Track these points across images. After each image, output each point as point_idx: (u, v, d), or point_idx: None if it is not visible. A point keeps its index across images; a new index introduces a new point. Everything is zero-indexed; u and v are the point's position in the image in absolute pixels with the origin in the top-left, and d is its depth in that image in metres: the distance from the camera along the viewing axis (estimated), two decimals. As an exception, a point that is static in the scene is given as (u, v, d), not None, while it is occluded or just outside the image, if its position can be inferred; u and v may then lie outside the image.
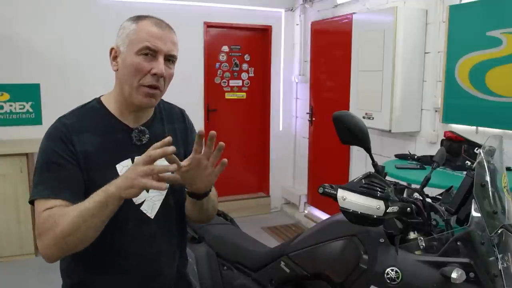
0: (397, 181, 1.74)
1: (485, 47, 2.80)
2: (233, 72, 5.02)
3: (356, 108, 3.62)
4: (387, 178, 1.41)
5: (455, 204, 1.38)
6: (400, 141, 3.58)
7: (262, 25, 5.00)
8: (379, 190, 1.21)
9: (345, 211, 1.21)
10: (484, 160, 1.28)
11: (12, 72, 4.02)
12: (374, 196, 1.19)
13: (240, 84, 5.08)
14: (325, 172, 4.67)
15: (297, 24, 5.09)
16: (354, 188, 1.21)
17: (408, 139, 3.51)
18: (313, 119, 4.80)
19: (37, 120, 4.12)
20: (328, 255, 1.42)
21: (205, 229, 1.97)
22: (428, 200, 1.43)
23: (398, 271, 1.23)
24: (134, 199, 1.24)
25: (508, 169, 2.40)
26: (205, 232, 1.96)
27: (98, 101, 1.31)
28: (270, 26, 5.03)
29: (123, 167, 1.25)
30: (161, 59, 1.21)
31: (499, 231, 1.21)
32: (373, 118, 3.48)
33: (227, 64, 4.98)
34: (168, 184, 1.11)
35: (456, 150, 2.75)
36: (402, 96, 3.33)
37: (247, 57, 5.06)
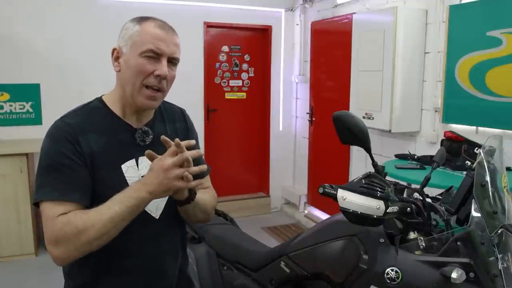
0: (397, 181, 1.74)
1: (485, 47, 2.80)
2: (233, 72, 5.02)
3: (356, 108, 3.62)
4: (387, 178, 1.41)
5: (455, 204, 1.38)
6: (400, 141, 3.58)
7: (262, 25, 5.00)
8: (379, 190, 1.21)
9: (345, 211, 1.21)
10: (484, 160, 1.28)
11: (12, 72, 4.02)
12: (374, 196, 1.19)
13: (240, 84, 5.08)
14: (325, 172, 4.67)
15: (297, 24, 5.09)
16: (354, 188, 1.21)
17: (408, 139, 3.51)
18: (313, 119, 4.80)
19: (37, 120, 4.12)
20: (328, 255, 1.42)
21: (205, 229, 1.97)
22: (428, 200, 1.43)
23: (398, 271, 1.23)
24: None
25: (508, 169, 2.40)
26: (205, 232, 1.96)
27: (100, 100, 1.31)
28: (270, 26, 5.03)
29: (128, 167, 1.25)
30: (164, 62, 1.21)
31: (499, 231, 1.21)
32: (373, 118, 3.48)
33: (227, 64, 4.98)
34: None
35: (456, 150, 2.75)
36: (402, 96, 3.33)
37: (247, 57, 5.06)
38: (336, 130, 1.38)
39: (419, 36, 3.32)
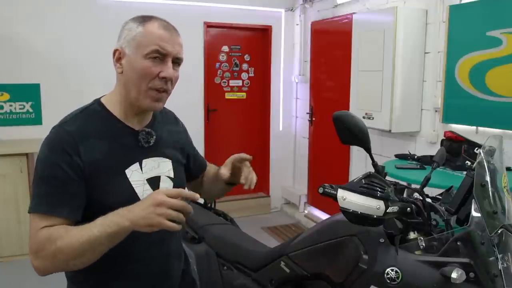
0: (397, 181, 1.74)
1: (485, 47, 2.80)
2: (233, 72, 5.02)
3: (356, 108, 3.62)
4: (387, 178, 1.41)
5: (455, 204, 1.38)
6: (400, 141, 3.58)
7: (262, 25, 5.00)
8: (379, 190, 1.21)
9: (345, 211, 1.21)
10: (484, 160, 1.28)
11: (12, 72, 4.02)
12: (374, 196, 1.19)
13: (240, 84, 5.08)
14: (325, 172, 4.67)
15: (297, 24, 5.09)
16: (354, 188, 1.21)
17: (408, 139, 3.51)
18: (313, 119, 4.80)
19: (37, 120, 4.12)
20: (328, 255, 1.43)
21: (205, 229, 1.97)
22: (428, 200, 1.43)
23: (398, 271, 1.23)
24: None
25: (508, 169, 2.40)
26: (205, 232, 1.96)
27: (99, 103, 1.26)
28: (270, 26, 5.03)
29: (132, 171, 1.22)
30: (169, 63, 1.19)
31: (499, 231, 1.21)
32: (373, 118, 3.48)
33: (227, 64, 4.98)
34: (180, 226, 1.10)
35: (456, 150, 2.75)
36: (402, 96, 3.33)
37: (247, 57, 5.06)
38: (336, 130, 1.38)
39: (419, 36, 3.32)
